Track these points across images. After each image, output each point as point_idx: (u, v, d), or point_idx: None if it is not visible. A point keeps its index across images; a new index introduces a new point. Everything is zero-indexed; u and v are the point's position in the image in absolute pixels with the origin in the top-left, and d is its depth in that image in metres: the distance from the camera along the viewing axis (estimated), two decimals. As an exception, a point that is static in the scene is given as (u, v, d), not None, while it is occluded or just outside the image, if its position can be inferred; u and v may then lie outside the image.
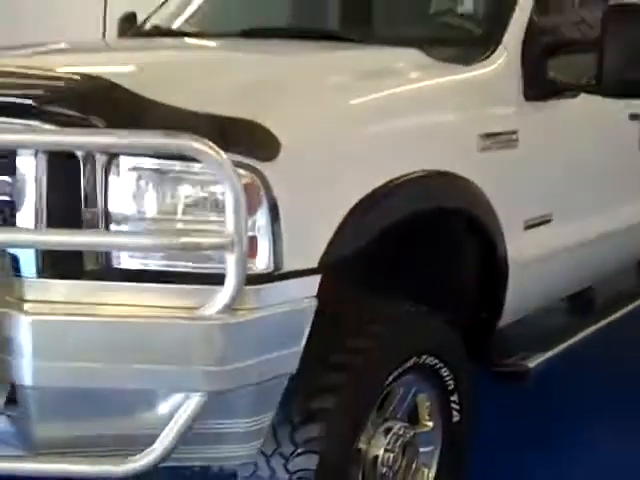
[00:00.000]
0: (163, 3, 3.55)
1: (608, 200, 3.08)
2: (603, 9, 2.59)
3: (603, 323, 3.18)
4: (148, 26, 3.42)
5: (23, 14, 6.00)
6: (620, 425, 3.28)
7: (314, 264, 1.81)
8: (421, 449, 2.28)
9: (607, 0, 2.96)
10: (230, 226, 1.62)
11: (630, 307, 3.41)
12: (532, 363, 2.69)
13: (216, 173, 1.62)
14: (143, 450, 1.68)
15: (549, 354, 2.79)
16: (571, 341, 2.94)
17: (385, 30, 2.92)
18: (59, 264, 1.73)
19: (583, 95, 2.66)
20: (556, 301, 3.08)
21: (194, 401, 1.67)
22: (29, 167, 1.73)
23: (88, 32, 3.83)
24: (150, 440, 1.68)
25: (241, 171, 1.65)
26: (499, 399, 3.11)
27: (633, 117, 3.12)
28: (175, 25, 3.34)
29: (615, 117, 3.03)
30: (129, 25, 3.59)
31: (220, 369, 1.67)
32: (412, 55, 2.43)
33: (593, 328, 3.10)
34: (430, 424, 2.31)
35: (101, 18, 3.51)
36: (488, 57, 2.51)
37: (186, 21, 3.37)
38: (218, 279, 1.66)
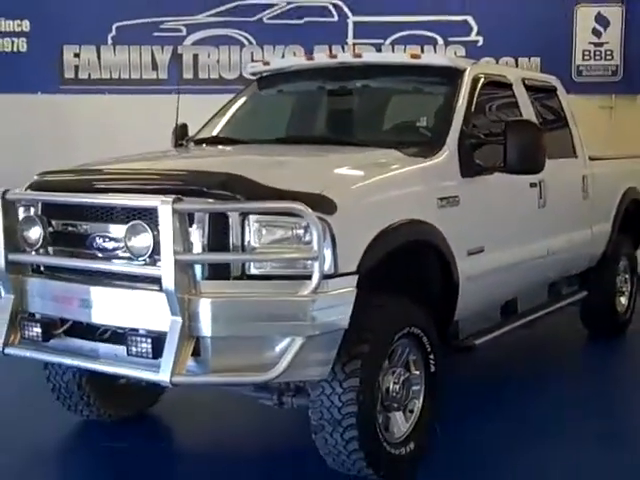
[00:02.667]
0: (209, 120, 5.16)
1: (520, 240, 4.69)
2: (505, 120, 4.29)
3: (523, 321, 4.82)
4: (202, 135, 5.01)
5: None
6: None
7: (354, 269, 3.34)
8: (413, 387, 3.79)
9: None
10: (315, 247, 3.15)
11: (541, 313, 5.10)
12: (477, 341, 4.29)
13: (308, 221, 3.15)
14: (269, 371, 3.16)
15: (487, 337, 4.39)
16: (501, 331, 4.57)
17: (374, 136, 4.57)
18: (217, 272, 3.24)
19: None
20: (493, 305, 4.68)
21: (298, 342, 3.17)
22: (201, 221, 3.25)
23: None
24: (272, 366, 3.16)
25: (318, 221, 3.18)
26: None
27: (532, 185, 4.79)
28: (222, 134, 4.95)
29: (519, 185, 4.64)
30: (184, 132, 5.17)
31: (311, 323, 3.18)
32: (394, 153, 4.03)
33: (516, 324, 4.74)
34: (417, 372, 3.81)
35: (172, 128, 5.14)
36: (437, 153, 4.11)
37: (227, 131, 4.98)
38: (300, 277, 3.18)
